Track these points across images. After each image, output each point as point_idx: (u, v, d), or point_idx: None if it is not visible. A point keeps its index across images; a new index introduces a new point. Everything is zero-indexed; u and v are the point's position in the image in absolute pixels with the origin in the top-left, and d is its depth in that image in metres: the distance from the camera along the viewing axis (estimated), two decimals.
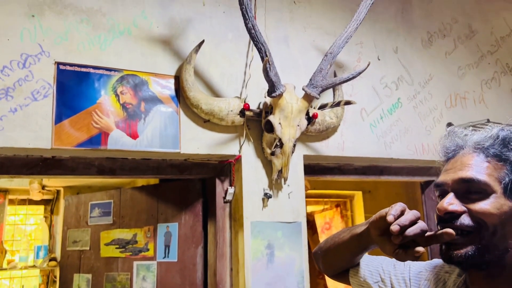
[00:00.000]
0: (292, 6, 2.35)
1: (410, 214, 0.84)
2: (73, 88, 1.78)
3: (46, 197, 4.16)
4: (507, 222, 0.85)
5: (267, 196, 2.04)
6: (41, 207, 4.26)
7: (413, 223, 0.83)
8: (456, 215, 0.87)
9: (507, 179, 0.87)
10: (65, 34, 1.82)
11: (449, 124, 2.66)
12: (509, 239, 0.86)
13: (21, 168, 1.78)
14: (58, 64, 1.78)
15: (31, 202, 4.16)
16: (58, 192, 4.20)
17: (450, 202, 0.88)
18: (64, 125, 1.74)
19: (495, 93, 2.92)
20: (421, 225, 0.83)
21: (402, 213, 0.85)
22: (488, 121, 2.51)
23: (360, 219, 4.51)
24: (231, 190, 2.08)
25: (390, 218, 0.83)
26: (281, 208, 2.10)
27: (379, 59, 2.55)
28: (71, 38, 1.83)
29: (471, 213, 0.87)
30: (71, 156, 1.86)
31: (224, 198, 2.10)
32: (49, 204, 4.26)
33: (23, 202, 4.17)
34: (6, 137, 1.66)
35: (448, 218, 0.88)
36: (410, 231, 0.82)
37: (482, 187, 0.87)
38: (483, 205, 0.86)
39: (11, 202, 4.09)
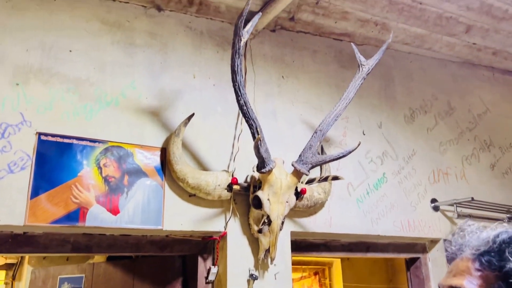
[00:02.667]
0: (281, 81, 2.38)
1: None
2: (54, 160, 1.69)
3: (9, 261, 3.88)
4: None
5: (252, 278, 1.93)
6: (3, 272, 3.95)
7: None
8: None
9: None
10: (50, 103, 1.75)
11: (433, 201, 2.65)
12: None
13: None
14: (39, 134, 1.69)
15: None
16: (22, 256, 3.92)
17: None
18: (41, 200, 1.62)
19: (475, 169, 2.97)
20: None
21: None
22: (472, 199, 2.52)
23: None
24: (214, 269, 1.96)
25: None
26: None
27: (364, 134, 2.57)
28: (55, 108, 1.76)
29: None
30: (44, 232, 1.73)
31: (206, 278, 1.98)
32: (12, 268, 3.96)
33: None
34: None
35: None
36: None
37: None
38: None
39: None
